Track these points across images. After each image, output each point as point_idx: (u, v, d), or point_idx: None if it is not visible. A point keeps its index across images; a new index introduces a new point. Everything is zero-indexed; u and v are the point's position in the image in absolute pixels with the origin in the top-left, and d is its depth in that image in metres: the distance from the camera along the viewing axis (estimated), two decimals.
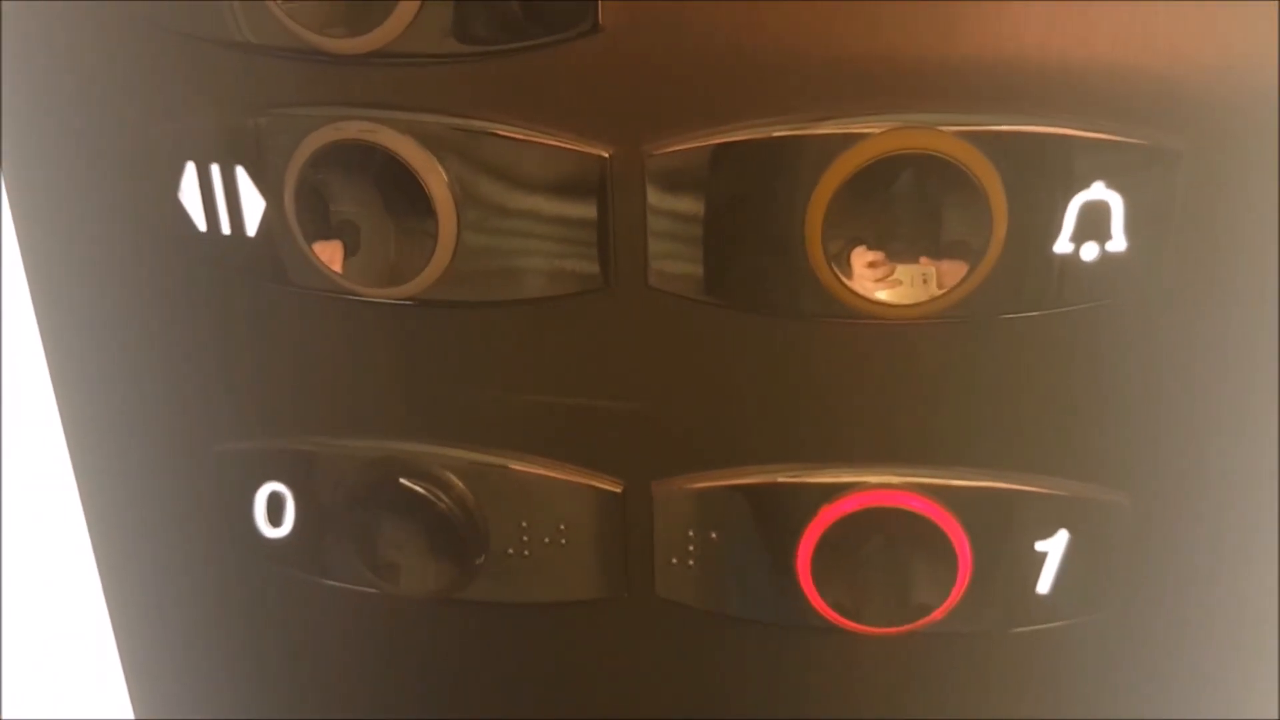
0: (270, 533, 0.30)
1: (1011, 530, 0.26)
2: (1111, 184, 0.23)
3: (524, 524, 0.28)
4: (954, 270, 0.23)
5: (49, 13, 0.26)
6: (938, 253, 0.23)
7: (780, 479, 0.26)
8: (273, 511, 0.30)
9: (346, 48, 0.24)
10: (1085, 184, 0.23)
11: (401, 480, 0.27)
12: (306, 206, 0.25)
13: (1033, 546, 0.26)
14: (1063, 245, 0.24)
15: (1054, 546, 0.26)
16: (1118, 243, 0.24)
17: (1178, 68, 0.23)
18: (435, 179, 0.25)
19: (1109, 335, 0.25)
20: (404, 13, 0.23)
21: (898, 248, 0.23)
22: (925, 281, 0.23)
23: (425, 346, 0.27)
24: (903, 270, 0.23)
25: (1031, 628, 0.27)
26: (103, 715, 0.36)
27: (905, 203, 0.23)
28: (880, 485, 0.26)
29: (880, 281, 0.23)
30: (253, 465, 0.29)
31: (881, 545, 0.26)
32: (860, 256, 0.23)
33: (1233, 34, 0.22)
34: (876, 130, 0.23)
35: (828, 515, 0.26)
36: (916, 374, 0.25)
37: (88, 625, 0.34)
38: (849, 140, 0.23)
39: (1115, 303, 0.24)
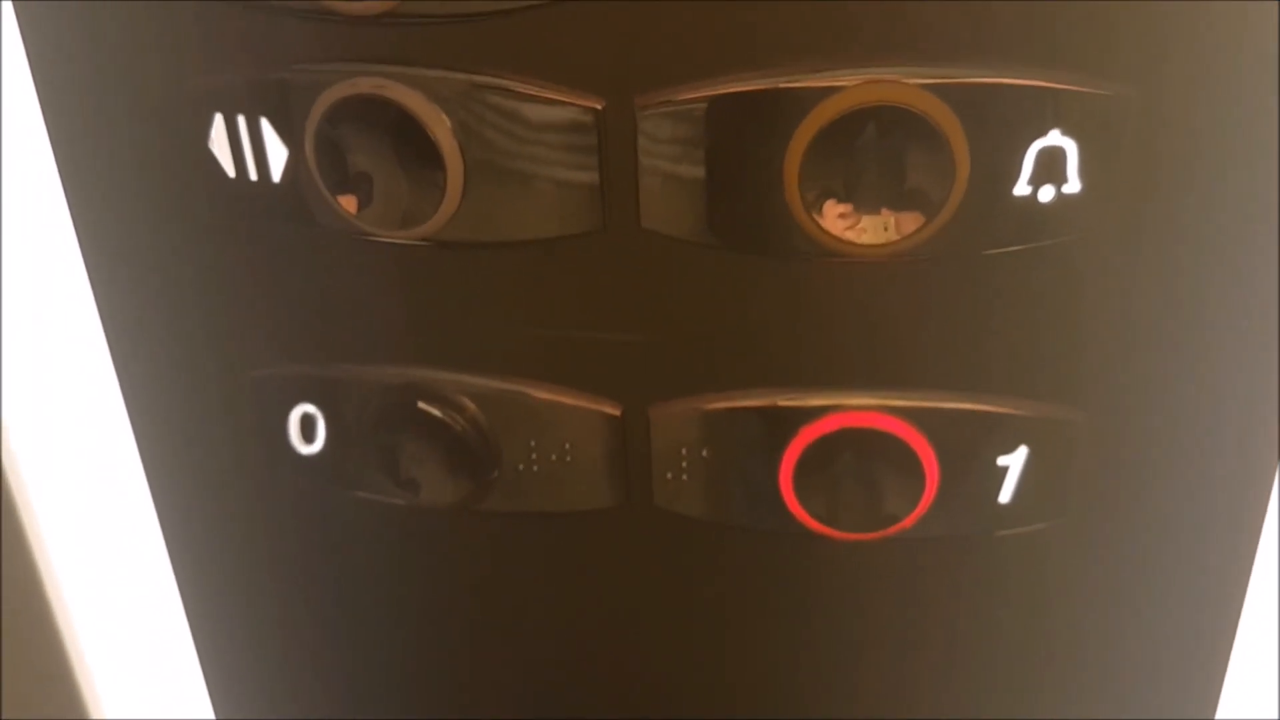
0: (304, 449, 0.33)
1: (975, 446, 0.29)
2: (1067, 131, 0.25)
3: (533, 443, 0.30)
4: (911, 220, 0.25)
5: None
6: (899, 204, 0.25)
7: (764, 403, 0.29)
8: (305, 430, 0.32)
9: (359, 10, 0.26)
10: (1042, 131, 0.25)
11: (420, 404, 0.30)
12: (326, 157, 0.27)
13: (995, 461, 0.29)
14: (1021, 189, 0.26)
15: (1014, 460, 0.29)
16: (1072, 185, 0.26)
17: (1134, 17, 0.24)
18: (442, 130, 0.27)
19: (1065, 269, 0.27)
20: None
21: (863, 199, 0.25)
22: (886, 229, 0.25)
23: (440, 283, 0.29)
24: (867, 220, 0.25)
25: (996, 534, 0.30)
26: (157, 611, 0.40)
27: (872, 154, 0.25)
28: (855, 407, 0.28)
29: (849, 230, 0.25)
30: (286, 389, 0.32)
31: (855, 461, 0.28)
32: (832, 208, 0.25)
33: None
34: (849, 84, 0.25)
35: (807, 435, 0.28)
36: (888, 306, 0.28)
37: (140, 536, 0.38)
38: (823, 93, 0.25)
39: (1070, 239, 0.27)
